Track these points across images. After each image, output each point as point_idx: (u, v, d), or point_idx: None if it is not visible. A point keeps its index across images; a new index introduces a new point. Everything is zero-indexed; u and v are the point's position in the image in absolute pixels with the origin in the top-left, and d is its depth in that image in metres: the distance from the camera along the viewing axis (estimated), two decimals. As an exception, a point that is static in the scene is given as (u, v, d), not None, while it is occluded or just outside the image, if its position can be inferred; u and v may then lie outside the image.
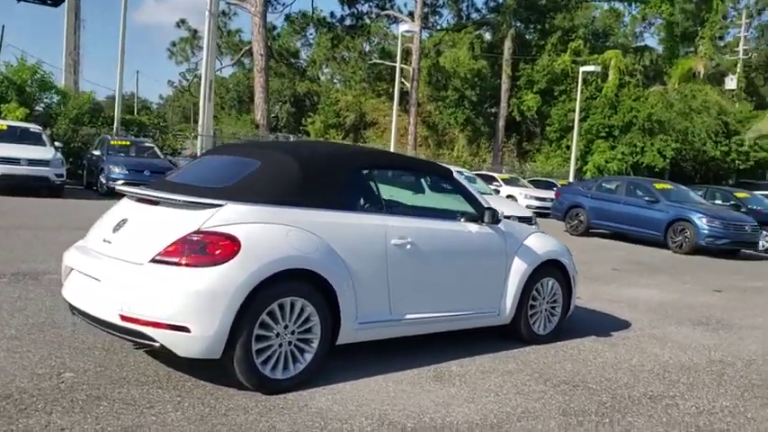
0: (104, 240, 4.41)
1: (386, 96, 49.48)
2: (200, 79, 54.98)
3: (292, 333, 4.25)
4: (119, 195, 4.94)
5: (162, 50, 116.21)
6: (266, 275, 4.06)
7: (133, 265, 4.07)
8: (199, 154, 24.68)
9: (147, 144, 20.11)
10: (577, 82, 33.00)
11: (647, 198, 15.75)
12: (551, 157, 37.81)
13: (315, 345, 4.35)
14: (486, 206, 5.58)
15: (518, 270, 5.68)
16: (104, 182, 17.18)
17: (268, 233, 4.20)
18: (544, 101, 38.35)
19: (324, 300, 4.35)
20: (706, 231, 14.52)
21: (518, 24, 40.39)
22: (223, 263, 3.96)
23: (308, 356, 4.33)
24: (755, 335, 7.02)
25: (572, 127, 35.34)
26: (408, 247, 4.89)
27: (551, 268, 5.98)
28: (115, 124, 22.30)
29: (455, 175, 5.76)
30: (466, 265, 5.37)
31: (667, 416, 4.33)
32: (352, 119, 50.82)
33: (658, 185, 16.52)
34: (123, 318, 3.97)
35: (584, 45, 38.40)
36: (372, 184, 4.97)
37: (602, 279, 10.18)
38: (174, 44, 47.77)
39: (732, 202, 17.94)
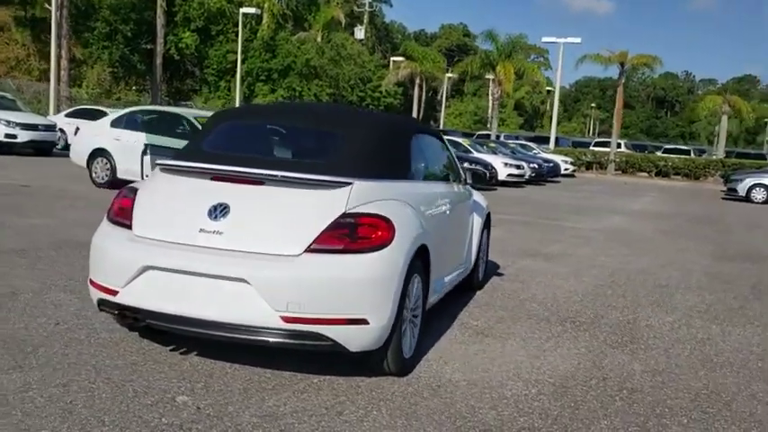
0: (202, 230, 3.62)
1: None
2: None
3: (411, 310, 4.14)
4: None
5: None
6: (412, 255, 3.89)
7: (288, 258, 3.50)
8: None
9: None
10: (235, 23, 32.92)
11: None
12: (211, 99, 37.25)
13: (419, 319, 4.31)
14: (463, 167, 5.90)
15: (476, 225, 6.17)
16: None
17: (401, 211, 3.97)
18: (202, 40, 37.31)
19: (423, 272, 4.30)
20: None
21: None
22: (385, 246, 3.67)
23: (417, 331, 4.27)
24: (586, 263, 8.66)
25: (231, 69, 35.37)
26: (447, 212, 5.01)
27: (487, 220, 6.59)
28: None
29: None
30: (461, 225, 5.68)
31: (694, 339, 5.30)
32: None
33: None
34: (288, 319, 3.44)
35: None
36: (419, 151, 4.91)
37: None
38: None
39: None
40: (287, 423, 3.30)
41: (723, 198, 24.23)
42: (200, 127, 11.50)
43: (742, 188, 23.46)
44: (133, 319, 3.71)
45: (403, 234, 3.79)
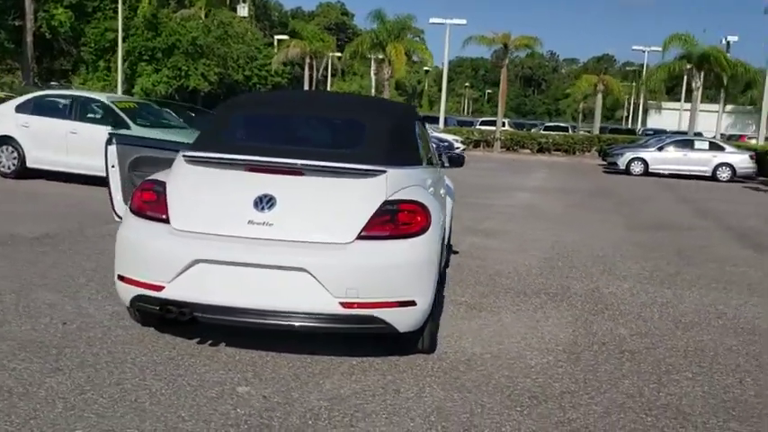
0: (251, 222, 3.66)
1: None
2: None
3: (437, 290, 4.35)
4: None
5: None
6: (442, 238, 4.11)
7: (341, 246, 3.62)
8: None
9: None
10: (114, -1, 31.31)
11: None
12: (90, 79, 35.15)
13: (438, 298, 4.52)
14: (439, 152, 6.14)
15: (449, 206, 6.44)
16: None
17: (428, 196, 4.16)
18: (78, 17, 35.03)
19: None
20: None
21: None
22: (425, 230, 3.86)
23: (436, 310, 4.49)
24: (523, 238, 9.17)
25: (111, 47, 33.64)
26: (441, 195, 5.26)
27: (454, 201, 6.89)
28: None
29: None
30: (445, 207, 5.92)
31: (656, 303, 5.81)
32: None
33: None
34: (346, 305, 3.57)
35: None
36: (420, 137, 5.08)
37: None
38: None
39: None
40: (356, 404, 3.44)
41: (604, 171, 25.97)
42: (119, 112, 11.06)
43: (622, 162, 25.27)
44: (179, 313, 3.68)
45: (435, 218, 3.99)
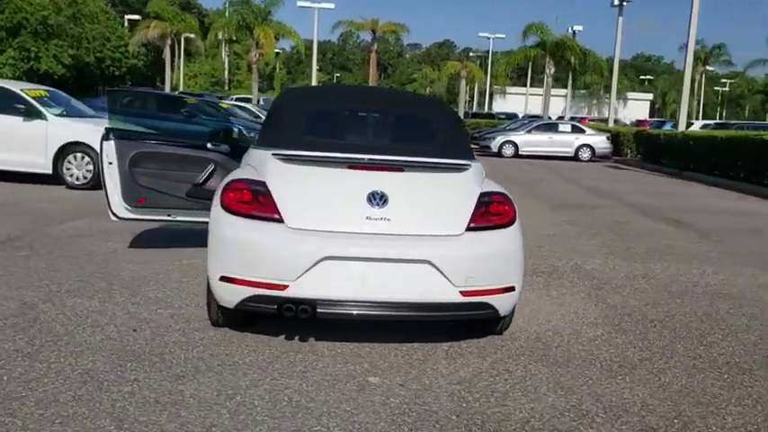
0: (369, 218, 3.75)
1: None
2: None
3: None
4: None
5: None
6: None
7: (455, 238, 3.83)
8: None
9: None
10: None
11: (186, 114, 16.45)
12: None
13: None
14: None
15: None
16: None
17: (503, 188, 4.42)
18: None
19: None
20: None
21: None
22: (515, 220, 4.14)
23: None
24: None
25: (-57, 25, 30.42)
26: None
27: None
28: None
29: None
30: None
31: (638, 276, 6.48)
32: None
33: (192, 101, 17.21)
34: (465, 293, 3.78)
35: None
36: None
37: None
38: None
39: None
40: (485, 385, 3.67)
41: (478, 154, 27.28)
42: (32, 101, 10.25)
43: (494, 145, 26.77)
44: (300, 310, 3.67)
45: (517, 209, 4.28)
